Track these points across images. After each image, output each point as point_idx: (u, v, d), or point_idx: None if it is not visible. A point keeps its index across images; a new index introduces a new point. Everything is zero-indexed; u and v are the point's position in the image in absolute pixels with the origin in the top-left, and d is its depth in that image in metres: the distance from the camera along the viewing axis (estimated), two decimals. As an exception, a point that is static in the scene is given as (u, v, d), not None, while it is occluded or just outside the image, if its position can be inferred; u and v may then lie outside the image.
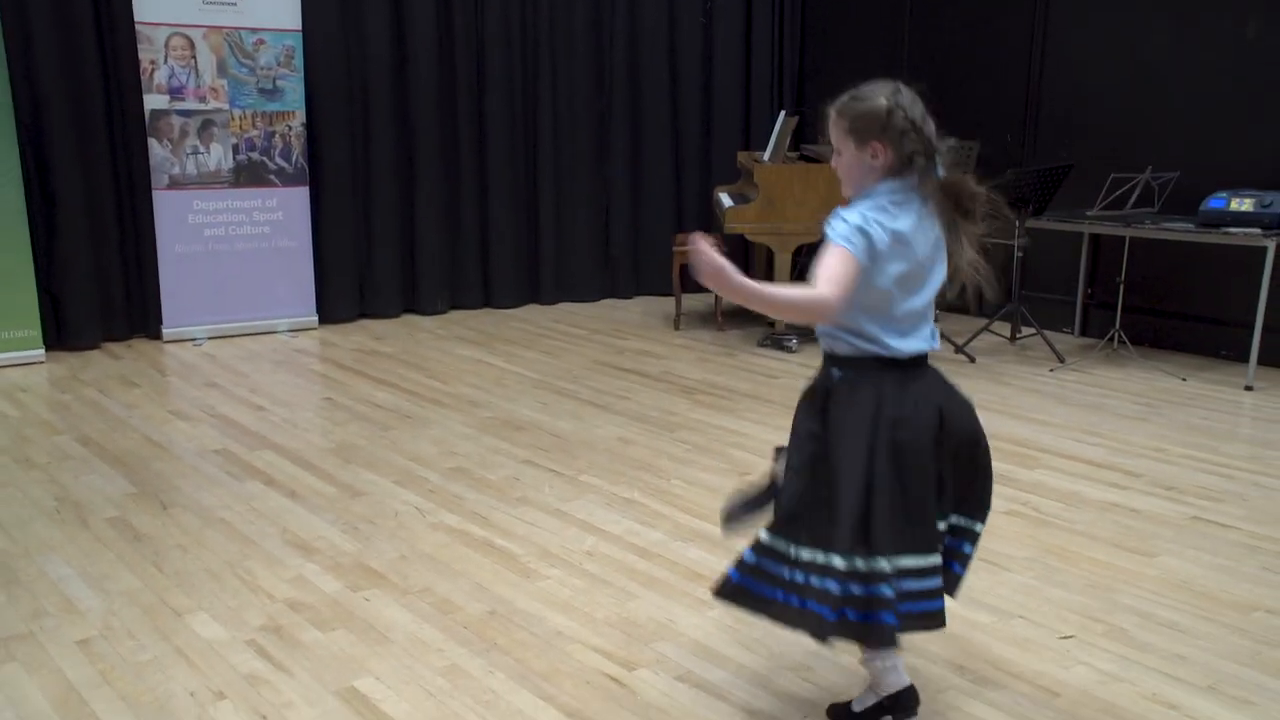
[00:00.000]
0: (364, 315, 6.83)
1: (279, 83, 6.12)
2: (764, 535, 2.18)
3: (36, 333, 5.52)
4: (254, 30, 5.99)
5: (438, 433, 4.48)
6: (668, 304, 7.33)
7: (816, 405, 2.15)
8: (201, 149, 5.96)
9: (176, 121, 5.88)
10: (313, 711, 2.39)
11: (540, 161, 7.28)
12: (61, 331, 5.78)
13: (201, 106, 5.93)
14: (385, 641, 2.71)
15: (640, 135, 7.61)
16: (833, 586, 2.03)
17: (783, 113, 6.55)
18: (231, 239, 6.13)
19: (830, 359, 2.15)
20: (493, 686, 2.50)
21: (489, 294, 7.29)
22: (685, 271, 6.72)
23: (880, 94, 2.03)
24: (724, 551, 3.28)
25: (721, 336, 6.44)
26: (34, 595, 2.93)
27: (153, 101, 5.79)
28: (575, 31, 7.24)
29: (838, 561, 2.03)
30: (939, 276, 2.10)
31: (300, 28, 6.13)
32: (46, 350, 5.60)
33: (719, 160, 7.76)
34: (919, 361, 2.11)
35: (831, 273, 1.96)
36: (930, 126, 2.04)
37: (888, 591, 2.02)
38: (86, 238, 5.79)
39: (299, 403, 4.93)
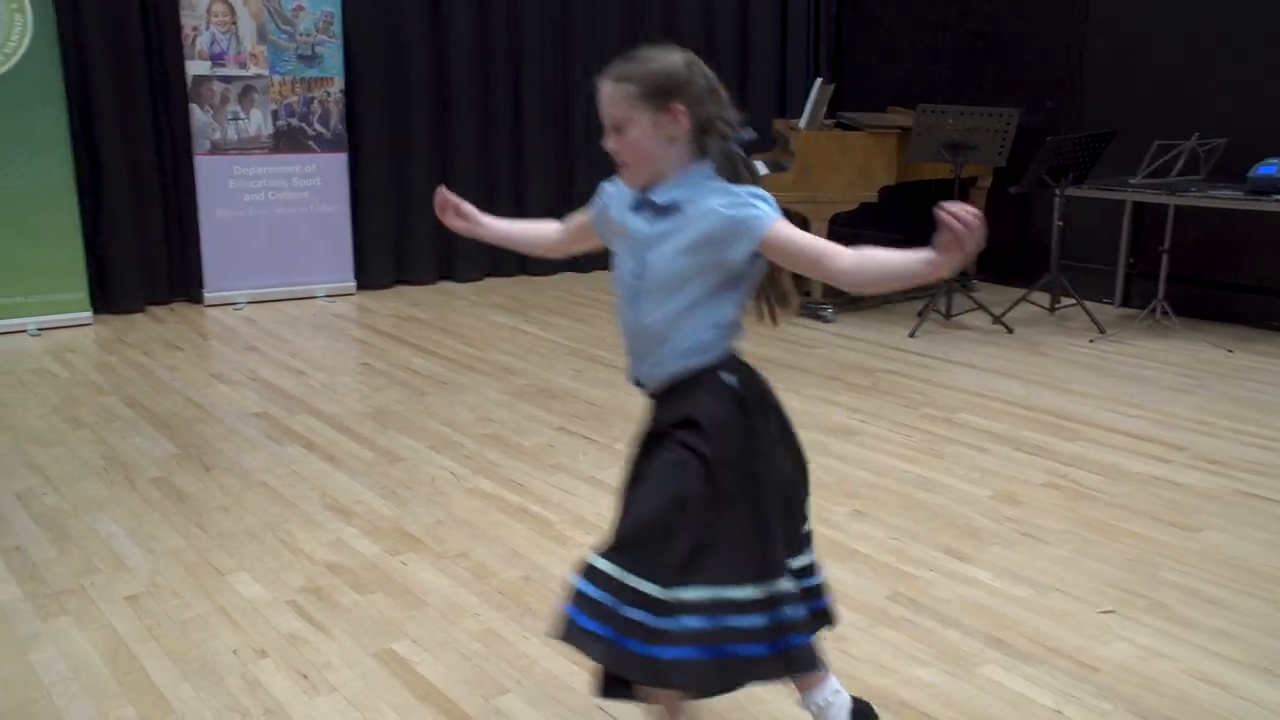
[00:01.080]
0: (401, 281, 6.84)
1: (318, 49, 6.10)
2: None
3: (84, 295, 5.59)
4: (294, -5, 5.98)
5: (473, 399, 4.48)
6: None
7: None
8: (242, 114, 5.97)
9: (218, 87, 5.88)
10: (351, 672, 2.40)
11: (573, 127, 7.23)
12: (107, 294, 5.84)
13: (242, 72, 5.93)
14: (422, 605, 2.72)
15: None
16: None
17: (819, 80, 6.45)
18: (271, 204, 6.15)
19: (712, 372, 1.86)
20: (528, 651, 2.51)
21: (524, 261, 7.26)
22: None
23: (670, 51, 1.79)
24: (759, 520, 3.25)
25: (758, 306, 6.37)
26: (84, 552, 2.97)
27: (195, 67, 5.80)
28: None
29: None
30: None
31: (339, -7, 6.11)
32: (94, 313, 5.66)
33: (754, 127, 7.65)
34: None
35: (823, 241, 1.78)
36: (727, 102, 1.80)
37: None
38: (130, 202, 5.82)
39: (337, 368, 4.96)
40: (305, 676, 2.38)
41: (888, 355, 5.29)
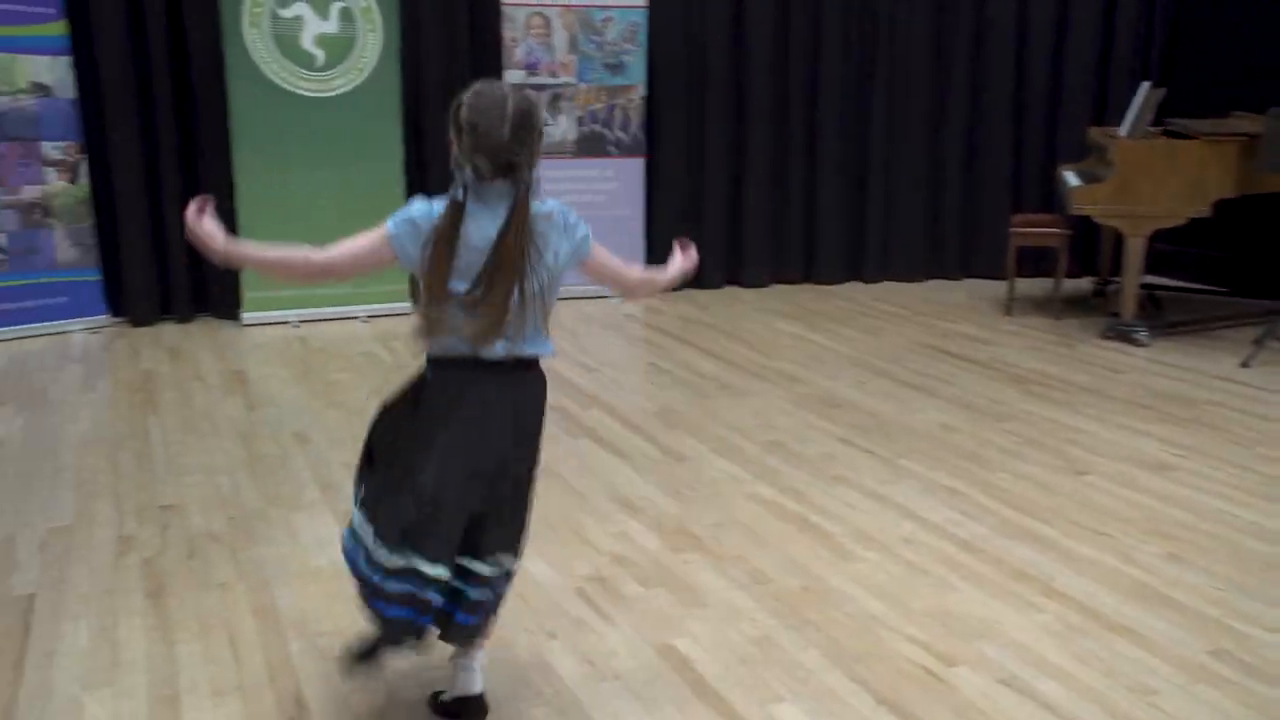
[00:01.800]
0: (689, 285, 7.00)
1: (623, 58, 6.37)
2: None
3: (405, 286, 6.14)
4: (604, 8, 6.27)
5: (757, 404, 4.52)
6: (999, 288, 6.93)
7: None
8: (551, 121, 6.33)
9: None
10: (633, 662, 2.49)
11: (872, 136, 7.10)
12: (423, 287, 6.38)
13: (552, 81, 6.30)
14: (701, 604, 2.78)
15: (979, 108, 7.22)
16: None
17: (1146, 84, 5.96)
18: (571, 208, 6.48)
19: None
20: (804, 662, 2.50)
21: (811, 269, 7.24)
22: (1021, 254, 6.33)
23: (467, 92, 2.08)
24: (1056, 554, 3.07)
25: (1058, 325, 6.01)
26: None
27: (511, 76, 6.22)
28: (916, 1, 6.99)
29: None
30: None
31: (646, 4, 6.34)
32: (413, 303, 6.21)
33: (1066, 136, 7.21)
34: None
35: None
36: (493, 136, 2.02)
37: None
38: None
39: (626, 366, 5.15)
40: (591, 662, 2.50)
41: (1213, 385, 4.82)
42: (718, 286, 7.02)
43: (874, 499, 3.50)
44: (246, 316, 5.81)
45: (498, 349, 2.06)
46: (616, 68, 6.38)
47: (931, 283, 7.35)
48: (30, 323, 5.47)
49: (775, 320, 6.17)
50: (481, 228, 2.04)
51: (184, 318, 5.90)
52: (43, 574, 2.90)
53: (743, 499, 3.50)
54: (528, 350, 2.12)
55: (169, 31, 5.63)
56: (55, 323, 5.55)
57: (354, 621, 2.65)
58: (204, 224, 2.16)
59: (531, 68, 6.25)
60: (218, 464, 3.75)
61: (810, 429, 4.21)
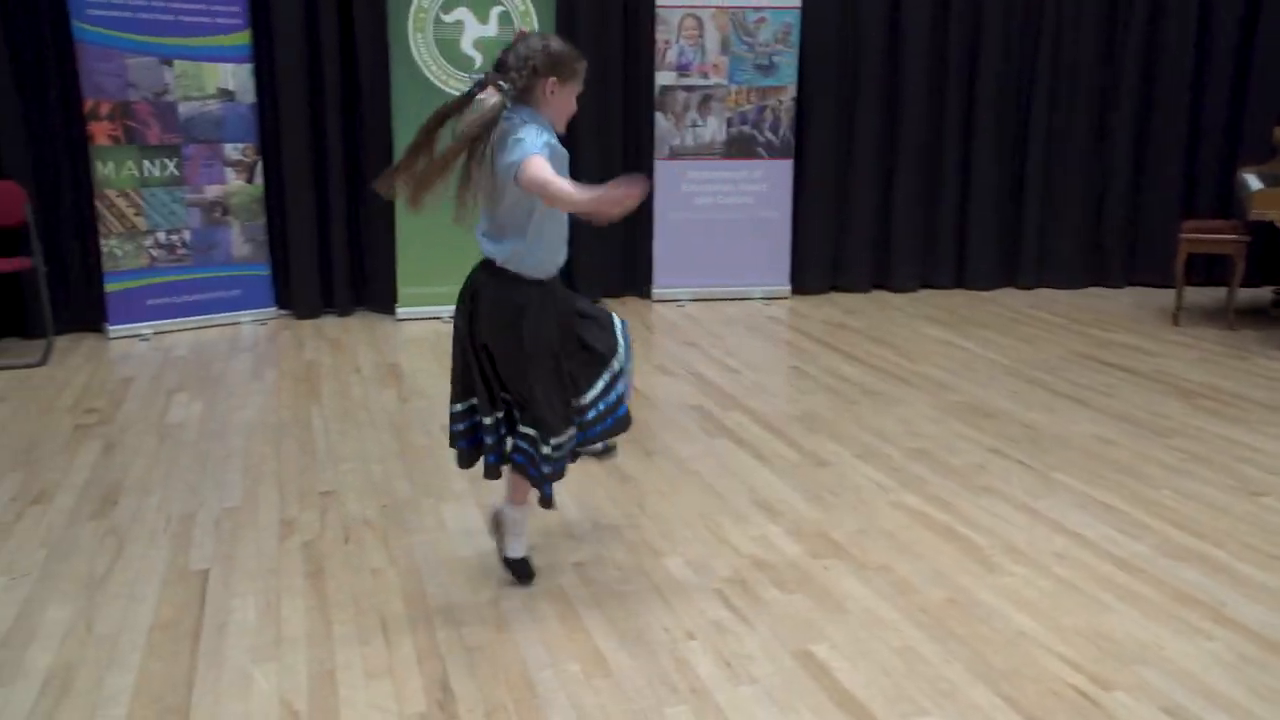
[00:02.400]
0: (835, 288, 6.92)
1: (775, 59, 6.34)
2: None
3: (551, 285, 6.27)
4: (757, 9, 6.25)
5: (902, 411, 4.42)
6: (1165, 297, 6.59)
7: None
8: (700, 121, 6.36)
9: (681, 96, 6.33)
10: (771, 667, 2.48)
11: (1031, 136, 6.85)
12: (573, 283, 6.48)
13: (703, 82, 6.32)
14: (842, 612, 2.74)
15: (1150, 108, 6.87)
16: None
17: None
18: (718, 208, 6.49)
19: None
20: (949, 676, 2.44)
21: (962, 274, 7.04)
22: (1192, 261, 6.00)
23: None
24: (1227, 578, 2.90)
25: (1231, 336, 5.67)
26: (544, 516, 3.32)
27: (663, 78, 6.28)
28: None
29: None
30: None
31: (800, 4, 6.29)
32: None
33: (1248, 136, 6.78)
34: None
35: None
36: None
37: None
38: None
39: (769, 368, 5.13)
40: (729, 664, 2.50)
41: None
42: (864, 290, 6.91)
43: (1025, 512, 3.38)
44: (401, 311, 6.04)
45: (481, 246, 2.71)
46: (768, 68, 6.35)
47: (1092, 290, 7.04)
48: (208, 314, 5.84)
49: (923, 325, 6.02)
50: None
51: (344, 311, 6.19)
52: (215, 550, 3.09)
53: (887, 506, 3.43)
54: (488, 249, 2.68)
55: (341, 38, 5.91)
56: (229, 314, 5.91)
57: (496, 612, 2.73)
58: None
59: (683, 69, 6.28)
60: (372, 453, 3.92)
61: (959, 438, 4.10)
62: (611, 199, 2.33)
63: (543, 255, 2.65)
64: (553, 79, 2.57)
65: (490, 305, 2.63)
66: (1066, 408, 4.48)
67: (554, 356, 2.64)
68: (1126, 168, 6.95)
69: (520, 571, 2.89)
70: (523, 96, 2.56)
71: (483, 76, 2.58)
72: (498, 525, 2.89)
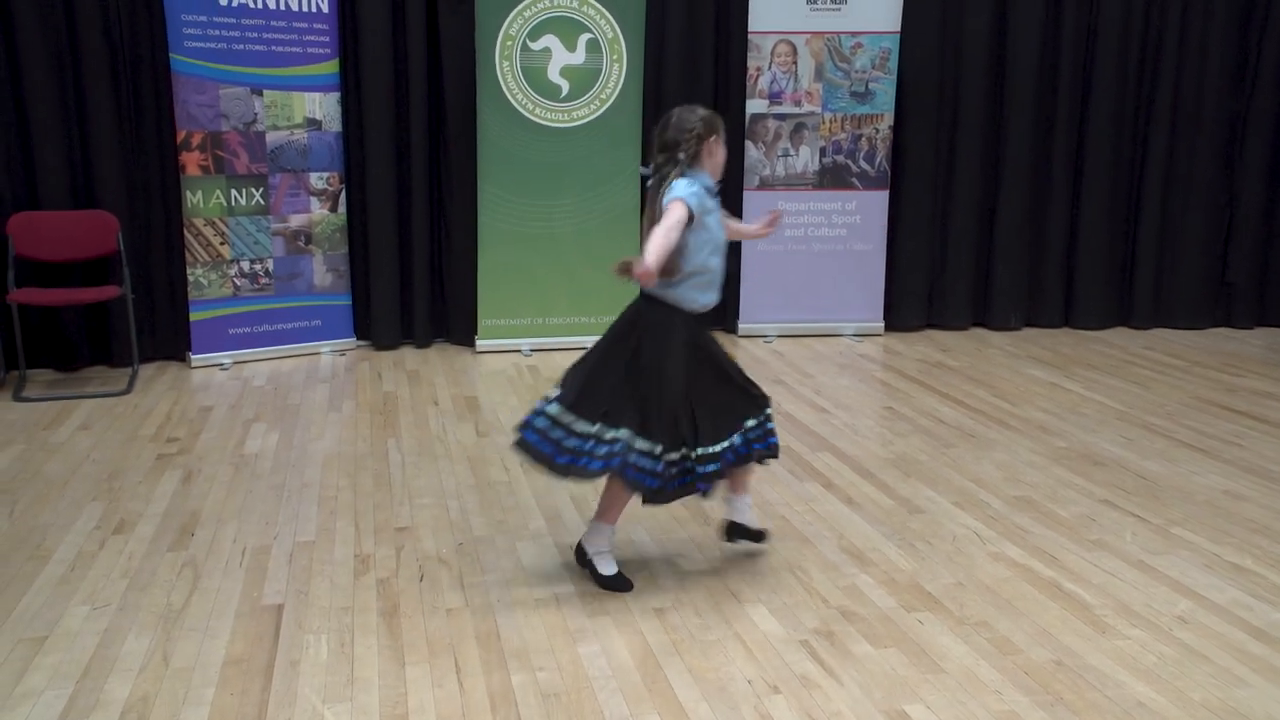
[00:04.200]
0: (931, 325, 6.81)
1: (871, 85, 6.31)
2: None
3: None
4: (854, 34, 6.24)
5: (1003, 457, 4.31)
6: (1298, 338, 6.34)
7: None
8: (791, 151, 6.35)
9: (772, 125, 6.33)
10: (861, 726, 2.42)
11: (1148, 167, 6.68)
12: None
13: (796, 110, 6.32)
14: (938, 670, 2.67)
15: (1280, 135, 6.65)
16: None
17: None
18: (809, 240, 6.45)
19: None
20: (1055, 747, 2.35)
21: (1070, 313, 6.87)
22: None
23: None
24: (1366, 651, 2.74)
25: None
26: (623, 559, 3.32)
27: (753, 106, 6.29)
28: (1214, 17, 6.52)
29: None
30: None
31: (899, 29, 6.25)
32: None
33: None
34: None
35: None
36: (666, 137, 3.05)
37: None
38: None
39: (860, 408, 5.05)
40: (815, 720, 2.45)
41: None
42: (963, 328, 6.78)
43: (1141, 570, 3.25)
44: (481, 344, 6.13)
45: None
46: (863, 96, 6.32)
47: (1216, 331, 6.80)
48: (289, 344, 6.00)
49: (1027, 365, 5.88)
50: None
51: (423, 343, 6.30)
52: (289, 585, 3.15)
53: (986, 559, 3.34)
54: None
55: (428, 66, 6.07)
56: (309, 344, 6.06)
57: (573, 657, 2.72)
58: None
59: (775, 97, 6.29)
60: (449, 488, 3.96)
61: (1065, 486, 3.97)
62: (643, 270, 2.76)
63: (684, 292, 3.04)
64: (713, 137, 3.04)
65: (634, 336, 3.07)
66: (1188, 458, 4.31)
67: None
68: (1257, 198, 6.72)
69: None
70: (692, 163, 3.00)
71: (651, 167, 3.06)
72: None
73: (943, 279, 6.75)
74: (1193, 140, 6.65)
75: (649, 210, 2.99)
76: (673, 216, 2.86)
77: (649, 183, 3.04)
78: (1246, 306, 6.85)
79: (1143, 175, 6.71)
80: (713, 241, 3.01)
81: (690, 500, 3.80)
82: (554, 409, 3.04)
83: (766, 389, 4.85)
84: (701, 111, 3.07)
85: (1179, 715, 2.47)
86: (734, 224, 3.26)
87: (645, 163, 3.13)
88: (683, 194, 2.91)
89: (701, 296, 3.03)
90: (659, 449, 2.97)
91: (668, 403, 2.97)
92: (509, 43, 5.87)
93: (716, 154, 3.06)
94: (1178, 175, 6.70)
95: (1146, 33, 6.58)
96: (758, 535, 3.38)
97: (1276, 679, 2.63)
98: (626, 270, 2.73)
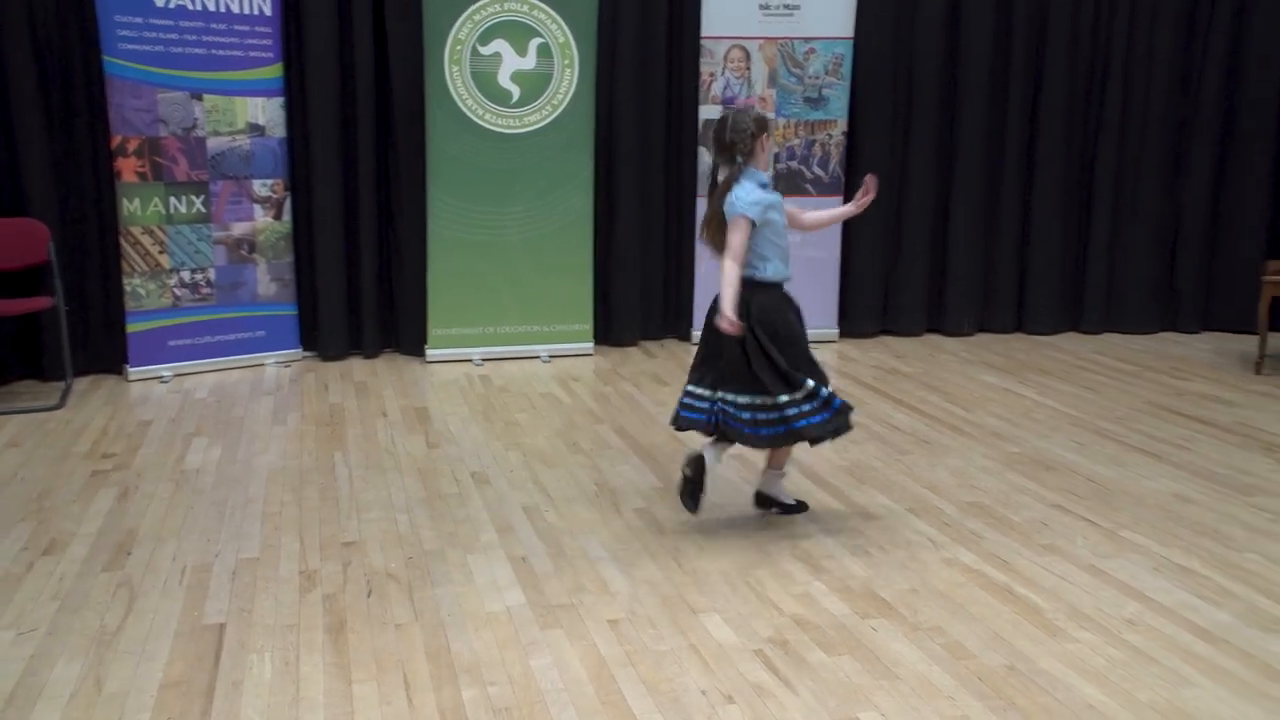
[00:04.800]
0: (885, 331, 6.88)
1: (824, 91, 6.38)
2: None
3: (589, 327, 6.30)
4: (807, 40, 6.31)
5: (957, 463, 4.37)
6: (1247, 343, 6.49)
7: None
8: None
9: (723, 132, 6.36)
10: (816, 735, 2.44)
11: (1098, 173, 6.82)
12: (609, 327, 6.52)
13: (747, 117, 6.36)
14: (891, 676, 2.69)
15: (1230, 142, 6.82)
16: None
17: None
18: (763, 247, 6.49)
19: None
20: (1008, 752, 2.38)
21: (1022, 318, 6.99)
22: (1275, 305, 5.89)
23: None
24: (1311, 650, 2.81)
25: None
26: (576, 571, 3.33)
27: (707, 112, 6.33)
28: (1160, 26, 6.67)
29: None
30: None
31: (852, 35, 6.33)
32: (595, 344, 6.37)
33: None
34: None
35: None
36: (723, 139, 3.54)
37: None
38: (637, 241, 6.47)
39: (816, 416, 5.09)
40: (769, 730, 2.46)
41: None
42: (916, 334, 6.87)
43: (1092, 573, 3.31)
44: (431, 353, 6.10)
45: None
46: (817, 101, 6.39)
47: (1164, 335, 6.95)
48: (232, 355, 5.93)
49: (980, 371, 5.96)
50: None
51: (371, 353, 6.25)
52: (231, 604, 3.11)
53: (940, 564, 3.38)
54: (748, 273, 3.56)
55: (375, 71, 6.03)
56: (253, 355, 5.99)
57: (525, 671, 2.71)
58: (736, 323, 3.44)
59: (728, 103, 6.33)
60: (398, 501, 3.93)
61: (1018, 492, 4.03)
62: (726, 321, 3.43)
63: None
64: (764, 135, 3.52)
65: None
66: (1138, 461, 4.40)
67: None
68: (1204, 204, 6.88)
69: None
70: (747, 160, 3.49)
71: (713, 164, 3.60)
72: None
73: (897, 285, 6.84)
74: (1140, 148, 6.80)
75: (712, 205, 3.57)
76: (736, 240, 3.45)
77: (714, 178, 3.59)
78: (1193, 311, 7.00)
79: (1092, 182, 6.84)
80: (775, 228, 3.54)
81: (644, 509, 3.83)
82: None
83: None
84: (753, 110, 3.67)
85: (1127, 717, 2.52)
86: (820, 214, 3.99)
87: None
88: (744, 210, 3.43)
89: (785, 269, 3.61)
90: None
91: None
92: (459, 47, 5.86)
93: (767, 148, 3.58)
94: (1126, 182, 6.85)
95: (1095, 40, 6.72)
96: (789, 507, 3.80)
97: (1222, 679, 2.70)
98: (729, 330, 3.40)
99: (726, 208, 3.48)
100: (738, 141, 3.46)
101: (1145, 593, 3.18)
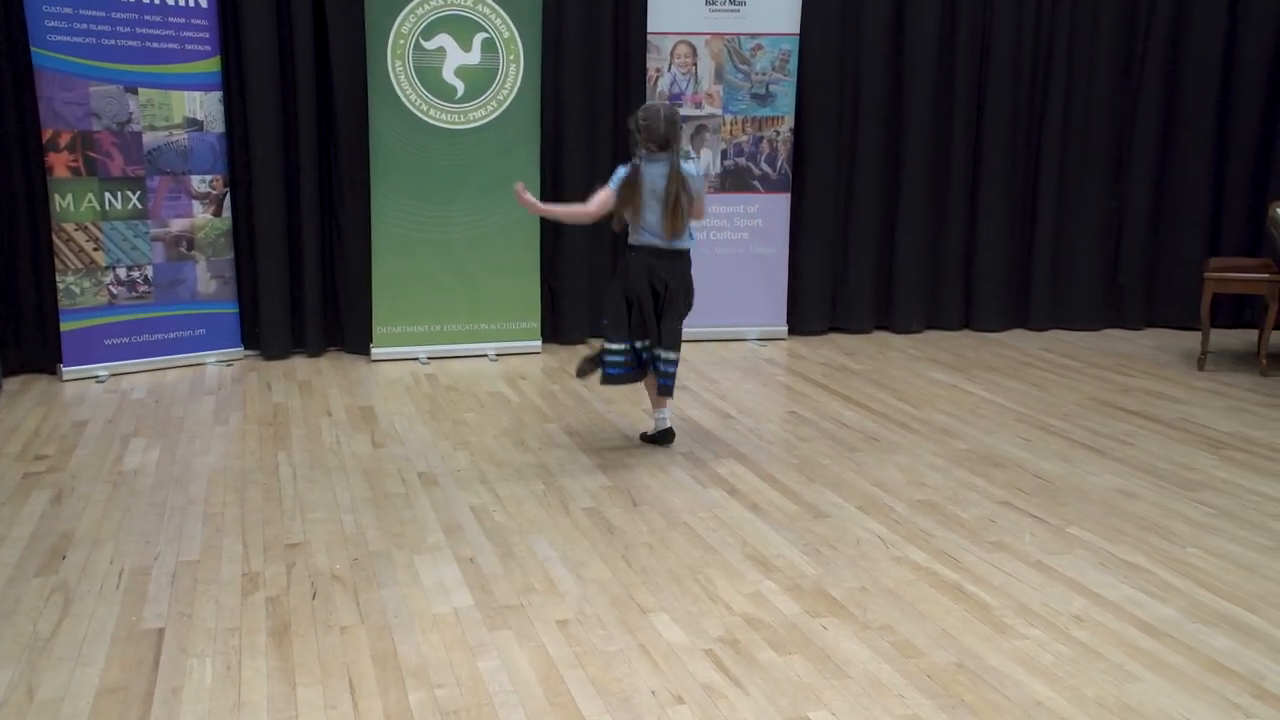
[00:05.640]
0: (834, 329, 6.95)
1: (771, 88, 6.41)
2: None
3: (536, 325, 6.29)
4: (753, 35, 6.34)
5: (905, 460, 4.42)
6: (1189, 339, 6.64)
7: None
8: (693, 154, 6.41)
9: (672, 128, 6.38)
10: (766, 734, 2.46)
11: (1043, 169, 6.94)
12: (556, 325, 6.51)
13: (697, 112, 6.39)
14: (842, 675, 2.72)
15: (1172, 136, 6.96)
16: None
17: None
18: (711, 244, 6.52)
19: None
20: (957, 747, 2.41)
21: (970, 315, 7.09)
22: (1218, 302, 6.03)
23: (639, 109, 4.45)
24: (1265, 646, 2.89)
25: (1263, 383, 5.70)
26: (525, 571, 3.32)
27: (653, 109, 6.33)
28: (1101, 21, 6.80)
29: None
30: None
31: (798, 31, 6.38)
32: (543, 342, 6.35)
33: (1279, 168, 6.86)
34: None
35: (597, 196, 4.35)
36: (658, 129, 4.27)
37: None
38: (585, 239, 6.46)
39: (764, 414, 5.13)
40: (720, 730, 2.47)
41: None
42: (865, 331, 6.94)
43: (1039, 570, 3.37)
44: (376, 352, 6.04)
45: (672, 243, 4.36)
46: (764, 98, 6.42)
47: (1109, 332, 7.09)
48: (170, 354, 5.82)
49: (928, 369, 6.04)
50: (652, 179, 4.29)
51: (315, 352, 6.18)
52: (171, 607, 3.06)
53: (889, 562, 3.42)
54: (679, 244, 4.39)
55: (316, 65, 5.97)
56: (193, 354, 5.90)
57: (473, 673, 2.70)
58: (526, 196, 4.36)
59: (675, 99, 6.34)
60: (343, 502, 3.89)
61: (966, 489, 4.09)
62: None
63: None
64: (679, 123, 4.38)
65: (680, 277, 4.48)
66: (1083, 458, 4.48)
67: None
68: (1146, 201, 7.02)
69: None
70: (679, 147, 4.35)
71: (643, 154, 4.30)
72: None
73: (845, 283, 6.90)
74: (1084, 145, 6.93)
75: (672, 191, 4.24)
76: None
77: (655, 167, 4.25)
78: (1137, 307, 7.15)
79: (1037, 179, 6.96)
80: None
81: (593, 508, 3.83)
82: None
83: (672, 397, 4.85)
84: (667, 106, 4.49)
85: (1075, 713, 2.57)
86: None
87: (624, 163, 4.38)
88: (698, 175, 4.40)
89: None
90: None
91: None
92: (401, 41, 5.81)
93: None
94: (1070, 179, 6.97)
95: (1038, 38, 6.83)
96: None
97: (1166, 674, 2.76)
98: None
99: (693, 184, 4.30)
100: (672, 136, 4.25)
101: (1091, 588, 3.24)
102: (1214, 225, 7.07)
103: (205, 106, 5.78)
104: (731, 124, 6.44)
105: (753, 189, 6.53)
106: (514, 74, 6.01)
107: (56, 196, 5.41)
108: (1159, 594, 3.21)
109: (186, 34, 5.67)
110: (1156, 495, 4.04)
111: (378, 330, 6.04)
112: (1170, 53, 6.88)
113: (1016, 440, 4.70)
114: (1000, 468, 4.33)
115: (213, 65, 5.78)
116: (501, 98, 6.01)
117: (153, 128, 5.63)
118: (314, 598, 3.13)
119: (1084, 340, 6.85)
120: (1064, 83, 6.84)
